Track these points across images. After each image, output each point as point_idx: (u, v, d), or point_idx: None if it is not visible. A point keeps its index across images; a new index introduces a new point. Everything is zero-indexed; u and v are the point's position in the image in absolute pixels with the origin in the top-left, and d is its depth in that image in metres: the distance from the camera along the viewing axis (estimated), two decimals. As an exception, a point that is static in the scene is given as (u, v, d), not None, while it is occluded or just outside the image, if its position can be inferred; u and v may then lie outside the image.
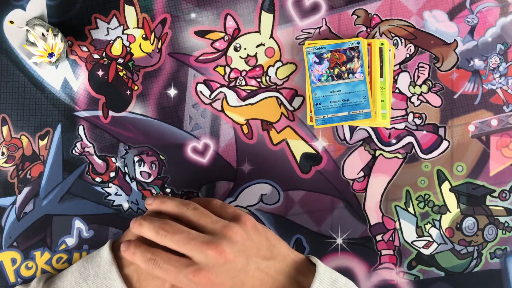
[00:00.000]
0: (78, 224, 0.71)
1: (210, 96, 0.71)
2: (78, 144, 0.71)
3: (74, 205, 0.71)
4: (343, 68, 0.68)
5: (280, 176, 0.71)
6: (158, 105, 0.71)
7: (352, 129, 0.71)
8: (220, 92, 0.71)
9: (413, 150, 0.71)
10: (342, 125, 0.71)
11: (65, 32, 0.70)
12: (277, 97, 0.71)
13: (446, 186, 0.71)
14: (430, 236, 0.72)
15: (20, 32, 0.70)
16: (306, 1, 0.71)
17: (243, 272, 0.58)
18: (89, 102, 0.71)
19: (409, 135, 0.71)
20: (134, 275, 0.62)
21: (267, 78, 0.71)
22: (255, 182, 0.71)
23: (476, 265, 0.72)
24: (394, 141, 0.71)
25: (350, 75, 0.68)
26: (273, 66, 0.71)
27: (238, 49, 0.71)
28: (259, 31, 0.71)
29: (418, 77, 0.71)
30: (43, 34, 0.68)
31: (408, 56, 0.71)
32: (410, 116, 0.71)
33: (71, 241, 0.71)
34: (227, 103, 0.71)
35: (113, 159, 0.71)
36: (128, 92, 0.71)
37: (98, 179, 0.71)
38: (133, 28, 0.71)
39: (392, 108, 0.71)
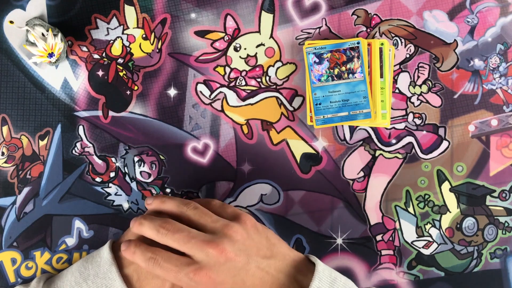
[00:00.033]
0: (78, 224, 0.71)
1: (210, 96, 0.71)
2: (78, 144, 0.71)
3: (74, 205, 0.71)
4: (343, 68, 0.68)
5: (280, 176, 0.71)
6: (158, 105, 0.71)
7: (352, 129, 0.71)
8: (220, 92, 0.71)
9: (413, 150, 0.71)
10: (342, 125, 0.71)
11: (65, 32, 0.70)
12: (277, 97, 0.71)
13: (446, 186, 0.71)
14: (430, 236, 0.72)
15: (20, 32, 0.70)
16: (306, 1, 0.71)
17: (244, 271, 0.59)
18: (89, 102, 0.71)
19: (409, 135, 0.71)
20: (134, 275, 0.62)
21: (267, 78, 0.71)
22: (255, 182, 0.71)
23: (476, 265, 0.72)
24: (394, 141, 0.71)
25: (350, 75, 0.68)
26: (273, 66, 0.71)
27: (238, 49, 0.71)
28: (259, 31, 0.71)
29: (418, 77, 0.71)
30: (43, 34, 0.68)
31: (408, 56, 0.71)
32: (410, 116, 0.71)
33: (71, 241, 0.71)
34: (227, 103, 0.71)
35: (113, 159, 0.71)
36: (128, 92, 0.71)
37: (98, 179, 0.71)
38: (133, 28, 0.71)
39: (392, 108, 0.71)
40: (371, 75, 0.68)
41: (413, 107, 0.71)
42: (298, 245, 0.72)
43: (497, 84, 0.71)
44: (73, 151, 0.71)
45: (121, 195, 0.71)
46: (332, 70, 0.68)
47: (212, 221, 0.60)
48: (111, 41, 0.71)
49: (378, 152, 0.71)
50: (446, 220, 0.72)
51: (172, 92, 0.71)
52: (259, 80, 0.71)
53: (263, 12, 0.71)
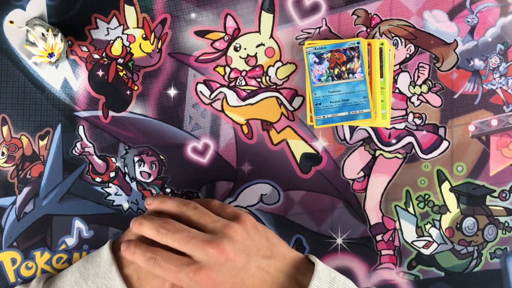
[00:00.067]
0: (78, 224, 0.71)
1: (210, 96, 0.71)
2: (78, 144, 0.71)
3: (74, 205, 0.71)
4: (343, 68, 0.68)
5: (280, 176, 0.71)
6: (158, 105, 0.71)
7: (352, 129, 0.71)
8: (220, 92, 0.71)
9: (413, 150, 0.71)
10: (342, 125, 0.71)
11: (65, 32, 0.70)
12: (277, 97, 0.71)
13: (446, 186, 0.71)
14: (430, 236, 0.72)
15: (20, 32, 0.70)
16: (306, 1, 0.71)
17: (244, 271, 0.59)
18: (89, 102, 0.71)
19: (409, 135, 0.71)
20: (134, 274, 0.62)
21: (267, 78, 0.71)
22: (255, 182, 0.71)
23: (476, 265, 0.72)
24: (394, 141, 0.71)
25: (350, 75, 0.68)
26: (273, 66, 0.71)
27: (238, 49, 0.71)
28: (259, 31, 0.71)
29: (418, 77, 0.71)
30: (43, 34, 0.68)
31: (408, 56, 0.71)
32: (410, 116, 0.71)
33: (71, 241, 0.71)
34: (227, 103, 0.71)
35: (113, 159, 0.71)
36: (128, 92, 0.71)
37: (98, 179, 0.71)
38: (133, 28, 0.71)
39: (392, 108, 0.71)
40: (371, 75, 0.68)
41: (413, 107, 0.71)
42: (298, 245, 0.72)
43: (497, 84, 0.71)
44: (73, 151, 0.71)
45: (121, 195, 0.71)
46: (332, 70, 0.68)
47: (212, 221, 0.60)
48: (111, 41, 0.71)
49: (378, 152, 0.71)
50: (446, 220, 0.72)
51: (172, 92, 0.71)
52: (259, 80, 0.71)
53: (263, 12, 0.71)
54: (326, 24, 0.71)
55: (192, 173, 0.71)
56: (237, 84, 0.71)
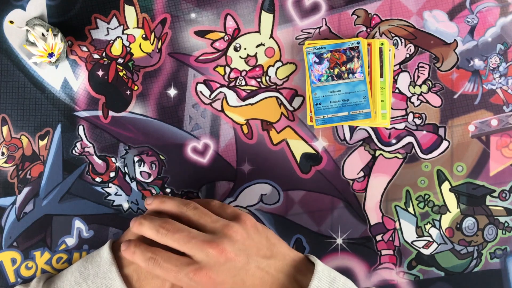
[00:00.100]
0: (78, 224, 0.71)
1: (210, 96, 0.71)
2: (78, 144, 0.71)
3: (74, 205, 0.71)
4: (343, 68, 0.68)
5: (280, 176, 0.71)
6: (158, 105, 0.71)
7: (352, 129, 0.71)
8: (220, 92, 0.71)
9: (413, 150, 0.71)
10: (342, 125, 0.71)
11: (65, 32, 0.70)
12: (277, 97, 0.71)
13: (446, 186, 0.71)
14: (430, 236, 0.72)
15: (20, 32, 0.70)
16: (306, 1, 0.71)
17: (244, 271, 0.59)
18: (89, 102, 0.71)
19: (409, 135, 0.71)
20: (134, 274, 0.62)
21: (267, 78, 0.71)
22: (255, 182, 0.71)
23: (476, 265, 0.72)
24: (394, 141, 0.71)
25: (350, 75, 0.68)
26: (273, 66, 0.71)
27: (238, 49, 0.71)
28: (259, 31, 0.71)
29: (418, 77, 0.71)
30: (43, 34, 0.68)
31: (408, 56, 0.71)
32: (410, 116, 0.71)
33: (71, 241, 0.71)
34: (227, 103, 0.71)
35: (113, 159, 0.71)
36: (128, 92, 0.71)
37: (98, 179, 0.71)
38: (133, 28, 0.71)
39: (392, 108, 0.71)
40: (371, 75, 0.68)
41: (413, 107, 0.71)
42: (298, 245, 0.72)
43: (497, 84, 0.71)
44: (73, 151, 0.71)
45: (121, 195, 0.71)
46: (332, 70, 0.68)
47: (212, 221, 0.60)
48: (111, 41, 0.71)
49: (378, 152, 0.71)
50: (446, 220, 0.72)
51: (172, 92, 0.71)
52: (259, 80, 0.71)
53: (263, 12, 0.71)
54: (326, 24, 0.71)
55: (192, 173, 0.71)
56: (237, 84, 0.71)
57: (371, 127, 0.71)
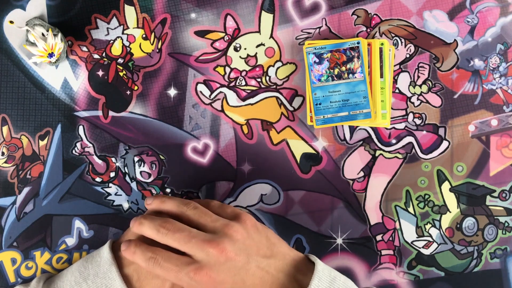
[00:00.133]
0: (78, 224, 0.71)
1: (210, 96, 0.71)
2: (78, 144, 0.71)
3: (74, 205, 0.71)
4: (343, 68, 0.68)
5: (280, 176, 0.71)
6: (158, 105, 0.71)
7: (352, 129, 0.71)
8: (220, 92, 0.71)
9: (413, 150, 0.71)
10: (342, 125, 0.71)
11: (65, 32, 0.70)
12: (277, 97, 0.71)
13: (446, 186, 0.71)
14: (430, 236, 0.72)
15: (20, 32, 0.70)
16: (306, 1, 0.71)
17: (244, 270, 0.59)
18: (89, 102, 0.71)
19: (409, 135, 0.71)
20: (134, 274, 0.62)
21: (267, 78, 0.71)
22: (255, 182, 0.71)
23: (476, 265, 0.72)
24: (394, 141, 0.71)
25: (350, 75, 0.68)
26: (273, 66, 0.71)
27: (238, 49, 0.71)
28: (259, 31, 0.71)
29: (418, 77, 0.71)
30: (43, 34, 0.68)
31: (408, 56, 0.71)
32: (410, 116, 0.71)
33: (71, 241, 0.71)
34: (227, 103, 0.71)
35: (113, 159, 0.71)
36: (128, 92, 0.71)
37: (98, 179, 0.71)
38: (133, 28, 0.71)
39: (392, 108, 0.71)
40: (371, 75, 0.68)
41: (413, 107, 0.71)
42: (298, 245, 0.72)
43: (497, 84, 0.71)
44: (73, 151, 0.71)
45: (121, 195, 0.71)
46: (332, 70, 0.68)
47: (212, 220, 0.60)
48: (111, 41, 0.71)
49: (378, 152, 0.71)
50: (446, 220, 0.72)
51: (172, 92, 0.71)
52: (259, 80, 0.71)
53: (263, 12, 0.71)
54: (326, 24, 0.71)
55: (192, 173, 0.71)
56: (237, 84, 0.71)
57: (371, 127, 0.71)
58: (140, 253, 0.60)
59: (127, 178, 0.71)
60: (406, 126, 0.71)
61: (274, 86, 0.71)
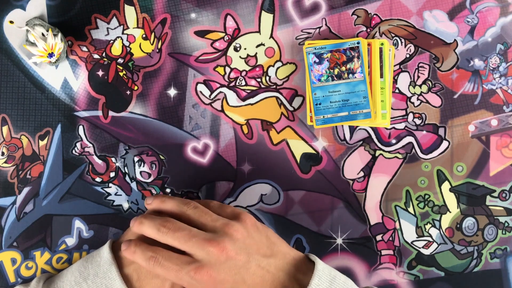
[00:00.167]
0: (78, 224, 0.71)
1: (210, 96, 0.71)
2: (78, 144, 0.71)
3: (74, 205, 0.71)
4: (343, 68, 0.68)
5: (280, 176, 0.71)
6: (158, 105, 0.71)
7: (352, 129, 0.71)
8: (220, 92, 0.71)
9: (413, 150, 0.71)
10: (342, 125, 0.71)
11: (65, 32, 0.70)
12: (277, 97, 0.71)
13: (446, 186, 0.71)
14: (430, 236, 0.72)
15: (20, 32, 0.70)
16: (306, 1, 0.71)
17: (244, 270, 0.59)
18: (89, 102, 0.71)
19: (409, 135, 0.71)
20: (134, 274, 0.62)
21: (267, 78, 0.71)
22: (255, 182, 0.71)
23: (476, 265, 0.72)
24: (394, 141, 0.71)
25: (350, 75, 0.68)
26: (273, 66, 0.71)
27: (238, 49, 0.71)
28: (259, 31, 0.71)
29: (418, 77, 0.71)
30: (43, 34, 0.68)
31: (408, 56, 0.71)
32: (410, 116, 0.71)
33: (71, 241, 0.71)
34: (227, 103, 0.71)
35: (113, 159, 0.71)
36: (128, 92, 0.71)
37: (98, 179, 0.71)
38: (133, 28, 0.71)
39: (392, 108, 0.71)
40: (371, 75, 0.68)
41: (413, 107, 0.71)
42: (298, 245, 0.72)
43: (497, 84, 0.71)
44: (73, 151, 0.71)
45: (121, 195, 0.71)
46: (332, 70, 0.68)
47: (212, 220, 0.61)
48: (111, 41, 0.71)
49: (378, 152, 0.71)
50: (446, 220, 0.72)
51: (172, 92, 0.71)
52: (259, 80, 0.71)
53: (263, 12, 0.71)
54: (326, 24, 0.71)
55: (192, 173, 0.71)
56: (237, 84, 0.71)
57: (371, 127, 0.71)
58: (140, 253, 0.60)
59: (127, 178, 0.71)
60: (406, 126, 0.71)
61: (274, 86, 0.71)
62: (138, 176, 0.71)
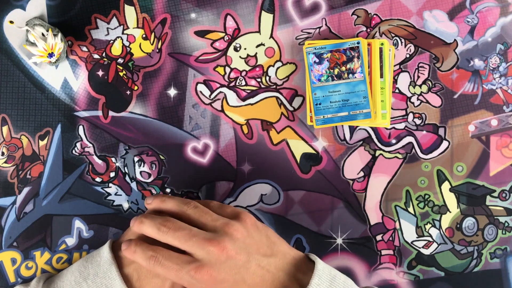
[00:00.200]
0: (78, 224, 0.71)
1: (210, 96, 0.71)
2: (78, 144, 0.71)
3: (74, 205, 0.71)
4: (343, 68, 0.68)
5: (280, 176, 0.71)
6: (158, 105, 0.71)
7: (352, 129, 0.71)
8: (220, 92, 0.71)
9: (413, 150, 0.71)
10: (342, 125, 0.71)
11: (65, 32, 0.70)
12: (277, 97, 0.71)
13: (446, 186, 0.71)
14: (430, 236, 0.72)
15: (20, 32, 0.70)
16: (306, 1, 0.71)
17: (244, 269, 0.59)
18: (89, 102, 0.71)
19: (409, 135, 0.71)
20: (134, 274, 0.62)
21: (267, 78, 0.71)
22: (255, 182, 0.71)
23: (476, 265, 0.72)
24: (394, 141, 0.71)
25: (350, 75, 0.68)
26: (273, 66, 0.71)
27: (238, 49, 0.71)
28: (259, 31, 0.71)
29: (418, 77, 0.71)
30: (43, 34, 0.68)
31: (408, 56, 0.71)
32: (410, 116, 0.71)
33: (71, 241, 0.71)
34: (227, 103, 0.71)
35: (113, 159, 0.71)
36: (128, 92, 0.71)
37: (98, 179, 0.71)
38: (133, 28, 0.71)
39: (392, 108, 0.71)
40: (371, 75, 0.68)
41: (413, 107, 0.71)
42: (298, 245, 0.72)
43: (497, 84, 0.71)
44: (73, 151, 0.71)
45: (121, 195, 0.71)
46: (332, 70, 0.68)
47: (213, 219, 0.61)
48: (111, 41, 0.71)
49: (378, 152, 0.71)
50: (446, 220, 0.72)
51: (172, 92, 0.71)
52: (259, 80, 0.71)
53: (263, 12, 0.71)
54: (326, 24, 0.71)
55: (192, 173, 0.71)
56: (237, 84, 0.71)
57: (371, 127, 0.71)
58: (140, 252, 0.60)
59: (127, 178, 0.71)
60: (406, 126, 0.71)
61: (274, 86, 0.71)
62: (138, 176, 0.71)
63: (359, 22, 0.71)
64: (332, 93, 0.68)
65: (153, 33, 0.71)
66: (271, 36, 0.71)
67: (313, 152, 0.71)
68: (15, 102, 0.71)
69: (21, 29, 0.69)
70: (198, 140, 0.71)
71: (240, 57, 0.71)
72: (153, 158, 0.71)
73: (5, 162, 0.71)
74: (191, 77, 0.71)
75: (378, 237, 0.72)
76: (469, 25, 0.71)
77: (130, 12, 0.71)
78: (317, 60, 0.68)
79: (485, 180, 0.71)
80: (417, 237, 0.72)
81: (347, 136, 0.71)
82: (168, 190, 0.71)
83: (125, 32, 0.71)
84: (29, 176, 0.71)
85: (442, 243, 0.72)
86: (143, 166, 0.71)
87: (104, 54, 0.71)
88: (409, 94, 0.71)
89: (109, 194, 0.71)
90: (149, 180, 0.71)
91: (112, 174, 0.71)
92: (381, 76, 0.69)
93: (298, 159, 0.71)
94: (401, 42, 0.70)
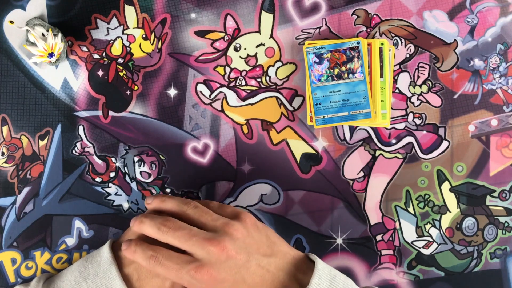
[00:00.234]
0: (78, 224, 0.71)
1: (210, 96, 0.71)
2: (78, 144, 0.71)
3: (74, 205, 0.71)
4: (343, 68, 0.68)
5: (280, 176, 0.71)
6: (158, 105, 0.71)
7: (352, 129, 0.71)
8: (220, 92, 0.71)
9: (413, 150, 0.71)
10: (342, 125, 0.71)
11: (65, 32, 0.70)
12: (277, 97, 0.71)
13: (446, 186, 0.71)
14: (430, 236, 0.72)
15: (20, 32, 0.70)
16: (306, 1, 0.71)
17: (244, 269, 0.59)
18: (89, 102, 0.71)
19: (409, 135, 0.71)
20: (134, 274, 0.62)
21: (267, 78, 0.71)
22: (255, 182, 0.71)
23: (476, 265, 0.72)
24: (394, 141, 0.71)
25: (350, 75, 0.68)
26: (273, 66, 0.71)
27: (238, 49, 0.71)
28: (259, 31, 0.71)
29: (418, 77, 0.71)
30: (43, 34, 0.68)
31: (408, 56, 0.71)
32: (410, 116, 0.71)
33: (71, 241, 0.71)
34: (227, 103, 0.71)
35: (113, 159, 0.71)
36: (128, 92, 0.71)
37: (98, 179, 0.71)
38: (133, 28, 0.71)
39: (392, 108, 0.71)
40: (371, 75, 0.68)
41: (413, 107, 0.71)
42: (298, 245, 0.72)
43: (497, 84, 0.71)
44: (73, 151, 0.71)
45: (121, 195, 0.71)
46: (332, 70, 0.68)
47: (213, 219, 0.61)
48: (111, 41, 0.71)
49: (378, 152, 0.71)
50: (446, 220, 0.72)
51: (172, 92, 0.71)
52: (259, 80, 0.71)
53: (263, 12, 0.71)
54: (326, 24, 0.71)
55: (192, 173, 0.71)
56: (237, 84, 0.71)
57: (371, 127, 0.71)
58: (140, 252, 0.60)
59: (127, 178, 0.71)
60: (406, 126, 0.71)
61: (274, 86, 0.71)
62: (138, 176, 0.71)
63: (359, 22, 0.71)
64: (332, 93, 0.68)
65: (153, 33, 0.71)
66: (271, 36, 0.71)
67: (313, 152, 0.71)
68: (15, 102, 0.71)
69: (21, 29, 0.69)
70: (198, 140, 0.71)
71: (240, 57, 0.71)
72: (153, 158, 0.71)
73: (5, 162, 0.71)
74: (191, 77, 0.71)
75: (378, 237, 0.72)
76: (469, 25, 0.71)
77: (130, 12, 0.71)
78: (317, 60, 0.68)
79: (485, 180, 0.71)
80: (417, 237, 0.72)
81: (347, 136, 0.71)
82: (168, 190, 0.71)
83: (125, 32, 0.71)
84: (29, 176, 0.71)
85: (442, 243, 0.72)
86: (143, 166, 0.71)
87: (104, 54, 0.71)
88: (409, 94, 0.71)
89: (109, 194, 0.71)
90: (149, 180, 0.71)
91: (112, 174, 0.71)
92: (381, 76, 0.69)
93: (298, 159, 0.71)
94: (401, 42, 0.70)
